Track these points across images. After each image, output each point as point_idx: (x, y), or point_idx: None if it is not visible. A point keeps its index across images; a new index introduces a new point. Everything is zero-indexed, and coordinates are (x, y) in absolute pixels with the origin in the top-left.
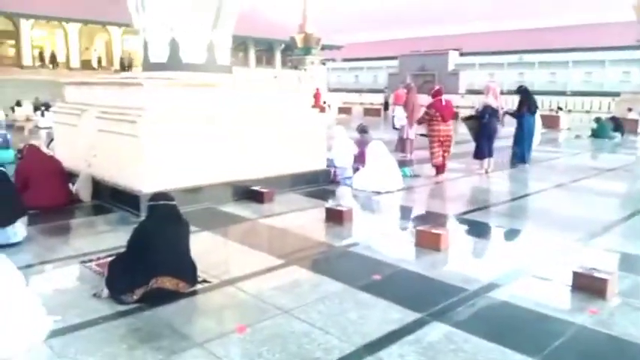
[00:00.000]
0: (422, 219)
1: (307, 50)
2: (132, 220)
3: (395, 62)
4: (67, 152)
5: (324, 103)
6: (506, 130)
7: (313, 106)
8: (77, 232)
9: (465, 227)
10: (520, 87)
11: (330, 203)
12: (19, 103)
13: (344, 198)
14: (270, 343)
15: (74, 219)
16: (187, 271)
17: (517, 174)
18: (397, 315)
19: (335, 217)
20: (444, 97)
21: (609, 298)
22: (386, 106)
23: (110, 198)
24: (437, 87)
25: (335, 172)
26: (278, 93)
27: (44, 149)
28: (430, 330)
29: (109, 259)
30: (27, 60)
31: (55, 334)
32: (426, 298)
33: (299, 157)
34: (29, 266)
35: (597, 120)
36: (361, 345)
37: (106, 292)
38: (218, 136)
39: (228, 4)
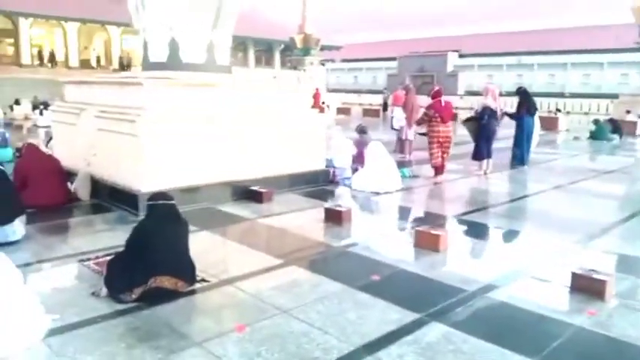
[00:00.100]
0: (421, 220)
1: (306, 51)
2: (130, 219)
3: (394, 63)
4: (66, 151)
5: (323, 103)
6: (505, 131)
7: (313, 107)
8: (76, 231)
9: (464, 228)
10: (519, 88)
11: (329, 203)
12: (17, 102)
13: (343, 198)
14: (269, 343)
15: (73, 218)
16: (186, 271)
17: (516, 175)
18: (396, 315)
19: (334, 217)
20: (444, 98)
21: (608, 300)
22: (385, 106)
23: (109, 197)
24: (436, 88)
25: (334, 172)
26: (277, 93)
27: (43, 148)
28: (429, 330)
29: (108, 258)
30: (26, 59)
31: (54, 332)
32: (425, 299)
33: (298, 157)
34: (27, 265)
35: (596, 122)
36: (360, 345)
37: (104, 291)
38: (217, 136)
39: (228, 5)
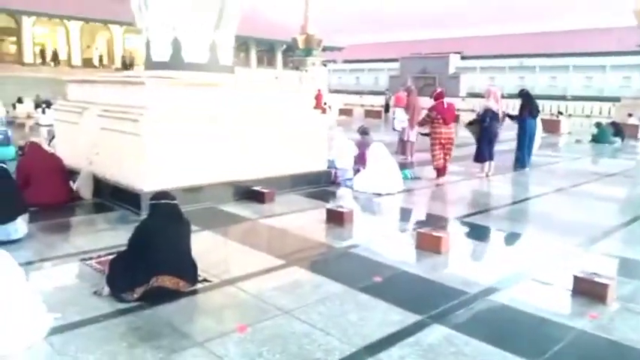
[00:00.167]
0: (422, 221)
1: (308, 51)
2: (132, 218)
3: (396, 64)
4: (69, 150)
5: (325, 104)
6: (506, 133)
7: (315, 108)
8: (77, 230)
9: (466, 230)
10: (522, 91)
11: (330, 204)
12: (20, 100)
13: (344, 199)
14: (270, 344)
15: (75, 217)
16: (188, 270)
17: (517, 178)
18: (397, 317)
19: (335, 218)
20: (446, 99)
21: (609, 303)
22: (387, 108)
23: (111, 196)
24: (439, 89)
25: (336, 173)
26: (279, 94)
27: (45, 146)
28: (430, 332)
29: (110, 257)
30: (28, 57)
31: (55, 331)
32: (427, 301)
33: (300, 157)
34: (29, 263)
35: (598, 125)
36: (362, 346)
37: (106, 289)
38: (219, 136)
39: (231, 5)
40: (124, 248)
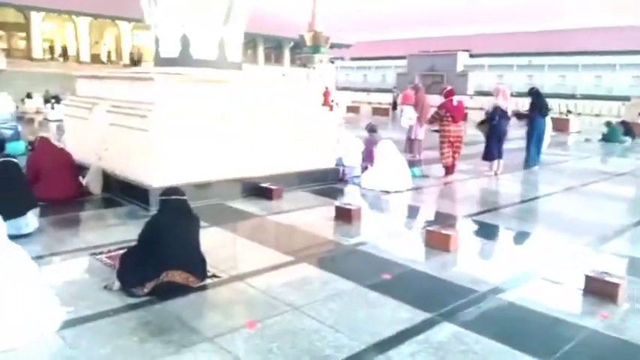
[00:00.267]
0: (431, 219)
1: (316, 48)
2: (141, 213)
3: (404, 62)
4: (78, 145)
5: (333, 101)
6: (515, 132)
7: (322, 105)
8: (87, 225)
9: (475, 228)
10: (532, 89)
11: (338, 201)
12: (29, 96)
13: (352, 196)
14: (280, 340)
15: (84, 211)
16: (197, 266)
17: (526, 176)
18: (407, 314)
19: (344, 215)
20: (456, 97)
21: (620, 303)
22: (394, 105)
23: (120, 191)
24: (448, 87)
25: (343, 170)
26: (287, 91)
27: (55, 142)
28: (440, 330)
29: (120, 251)
30: (37, 53)
31: (67, 325)
32: (436, 299)
33: (308, 154)
34: (40, 257)
35: (608, 124)
36: (371, 344)
37: (117, 284)
38: (227, 133)
39: (239, 2)
40: (133, 243)
